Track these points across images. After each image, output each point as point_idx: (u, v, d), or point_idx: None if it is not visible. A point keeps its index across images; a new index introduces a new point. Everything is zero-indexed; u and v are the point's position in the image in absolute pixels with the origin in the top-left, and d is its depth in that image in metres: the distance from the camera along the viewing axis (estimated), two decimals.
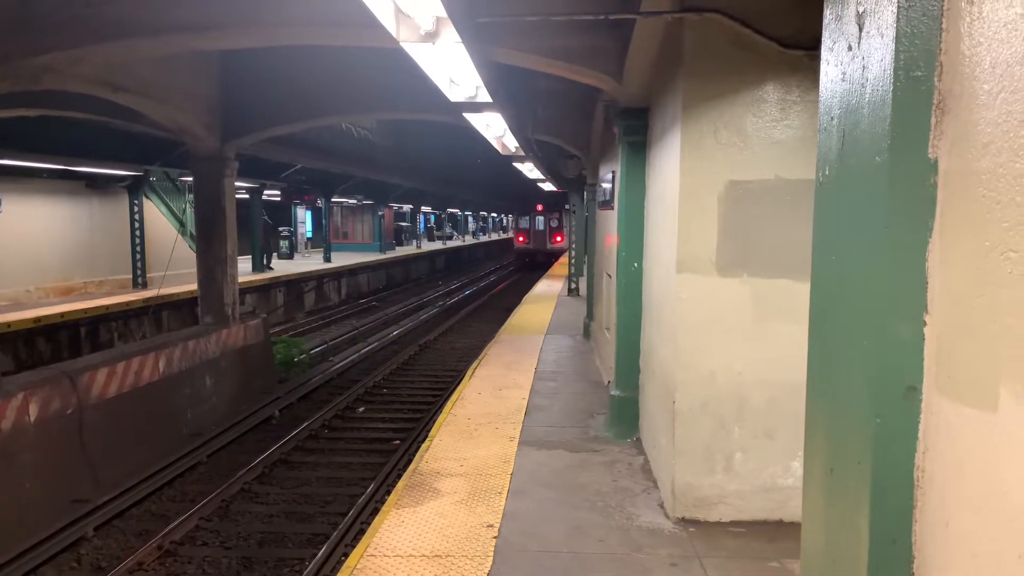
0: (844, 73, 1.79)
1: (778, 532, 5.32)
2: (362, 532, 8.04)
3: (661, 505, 5.77)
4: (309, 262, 29.90)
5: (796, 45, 5.09)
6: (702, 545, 5.10)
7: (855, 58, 1.73)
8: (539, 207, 41.47)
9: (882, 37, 1.59)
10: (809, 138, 5.16)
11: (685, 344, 5.40)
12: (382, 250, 38.37)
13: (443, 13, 4.27)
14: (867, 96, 1.67)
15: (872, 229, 1.65)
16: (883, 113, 1.58)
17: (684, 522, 5.43)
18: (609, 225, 10.40)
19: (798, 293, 5.20)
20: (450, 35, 4.50)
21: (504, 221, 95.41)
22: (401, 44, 4.54)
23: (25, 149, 13.57)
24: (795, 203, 5.16)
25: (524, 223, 44.07)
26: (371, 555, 4.87)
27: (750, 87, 5.19)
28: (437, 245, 51.71)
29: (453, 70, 5.96)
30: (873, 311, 1.65)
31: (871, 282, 1.66)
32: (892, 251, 1.59)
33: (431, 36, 4.47)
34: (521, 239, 44.25)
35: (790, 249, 5.18)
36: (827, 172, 1.91)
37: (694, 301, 5.32)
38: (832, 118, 1.87)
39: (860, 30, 1.70)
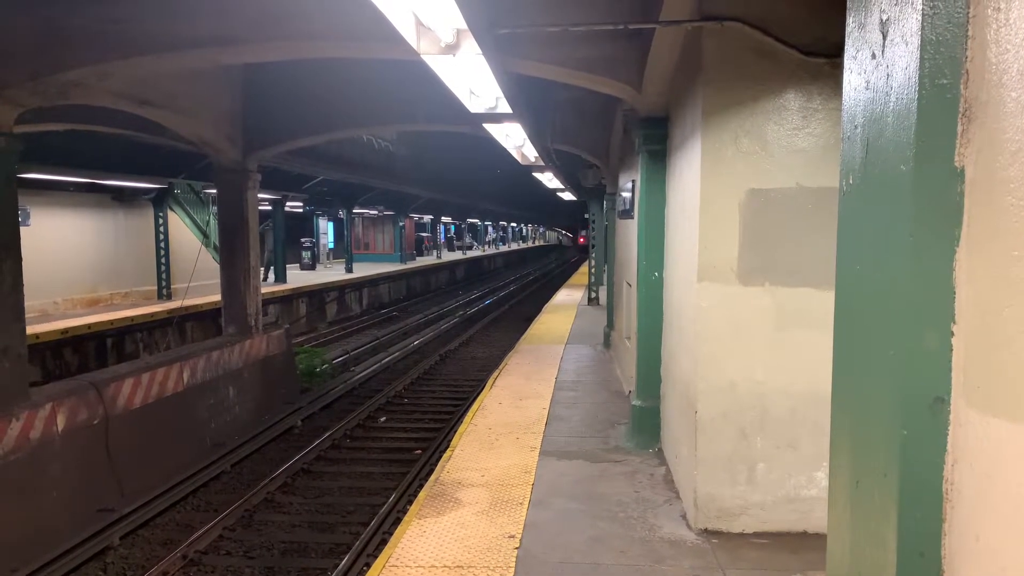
0: (868, 81, 1.78)
1: (802, 543, 5.25)
2: (384, 542, 8.04)
3: (683, 516, 5.72)
4: (331, 273, 30.12)
5: (817, 52, 5.07)
6: (725, 557, 5.05)
7: (879, 66, 1.72)
8: (589, 226, 68.39)
9: (907, 45, 1.57)
10: (831, 146, 5.13)
11: (706, 353, 5.37)
12: (403, 260, 38.57)
13: (463, 25, 4.31)
14: (891, 105, 1.65)
15: (898, 238, 1.63)
16: (908, 122, 1.57)
17: (707, 533, 5.39)
18: (629, 234, 10.37)
19: (820, 302, 5.16)
20: (470, 47, 4.53)
21: (524, 231, 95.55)
22: (422, 57, 4.58)
23: (53, 163, 13.84)
24: (817, 211, 5.13)
25: (583, 231, 67.85)
26: (393, 566, 4.87)
27: (771, 95, 5.17)
28: (457, 255, 51.88)
29: (473, 82, 6.00)
30: (899, 321, 1.63)
31: (897, 292, 1.65)
32: (918, 261, 1.57)
33: (451, 48, 4.50)
34: (582, 240, 69.14)
35: (812, 257, 5.14)
36: (851, 181, 1.89)
37: (715, 310, 5.29)
38: (856, 127, 1.86)
39: (884, 38, 1.69)
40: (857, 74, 1.86)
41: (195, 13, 6.86)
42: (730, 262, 5.22)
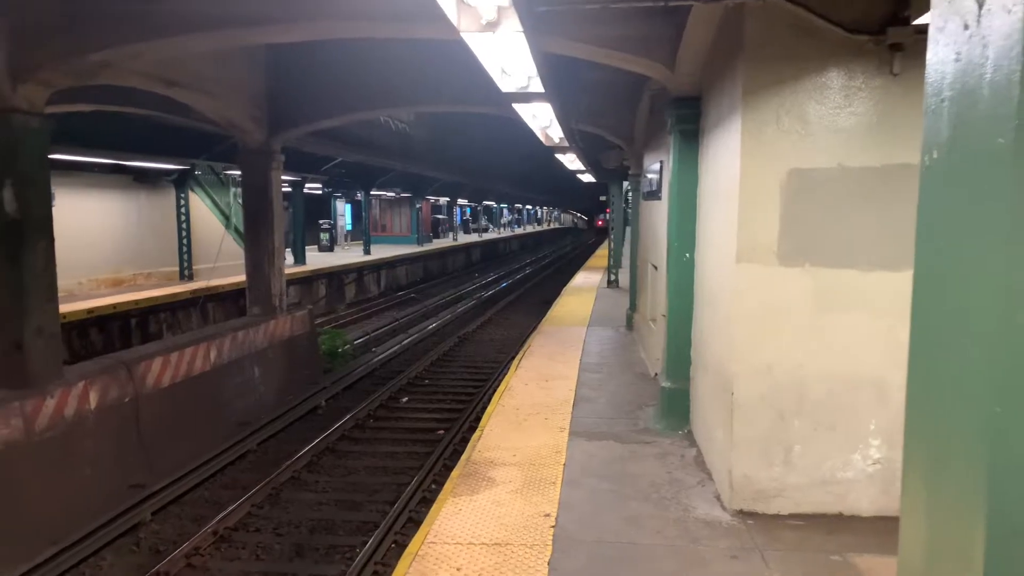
0: (958, 53, 1.74)
1: (838, 525, 5.25)
2: (411, 520, 8.12)
3: (717, 497, 5.72)
4: (349, 254, 30.22)
5: (860, 30, 4.99)
6: (762, 538, 5.05)
7: (972, 37, 1.68)
8: (608, 210, 73.05)
9: (1009, 14, 1.53)
10: (874, 125, 5.06)
11: (743, 335, 5.34)
12: (419, 242, 38.65)
13: (505, 2, 4.26)
14: (988, 76, 1.61)
15: (993, 214, 1.60)
16: (1009, 93, 1.53)
17: (742, 514, 5.39)
18: (655, 216, 10.31)
19: (862, 283, 5.12)
20: (511, 24, 4.48)
21: (539, 213, 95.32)
22: (462, 35, 4.54)
23: (79, 144, 13.94)
24: (859, 191, 5.08)
25: (601, 215, 74.42)
26: (431, 542, 4.92)
27: (812, 73, 5.10)
28: (473, 237, 51.85)
29: (506, 61, 5.94)
30: (992, 299, 1.61)
31: (990, 269, 1.62)
32: (1015, 236, 1.54)
33: (492, 25, 4.45)
34: (600, 223, 75.91)
35: (854, 238, 5.10)
36: (935, 155, 1.86)
37: (754, 291, 5.26)
38: (942, 100, 1.82)
39: (980, 8, 1.65)
40: (944, 45, 1.82)
41: None
42: (770, 243, 5.17)
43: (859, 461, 5.32)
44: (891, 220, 5.09)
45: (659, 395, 7.81)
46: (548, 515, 5.36)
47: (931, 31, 1.89)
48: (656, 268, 10.18)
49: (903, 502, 2.07)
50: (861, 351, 5.16)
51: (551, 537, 5.00)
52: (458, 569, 4.57)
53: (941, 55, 1.84)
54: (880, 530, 5.10)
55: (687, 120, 7.10)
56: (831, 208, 5.12)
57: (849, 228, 5.09)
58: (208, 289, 16.86)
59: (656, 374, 9.55)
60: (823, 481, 5.37)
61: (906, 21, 4.87)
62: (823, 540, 5.00)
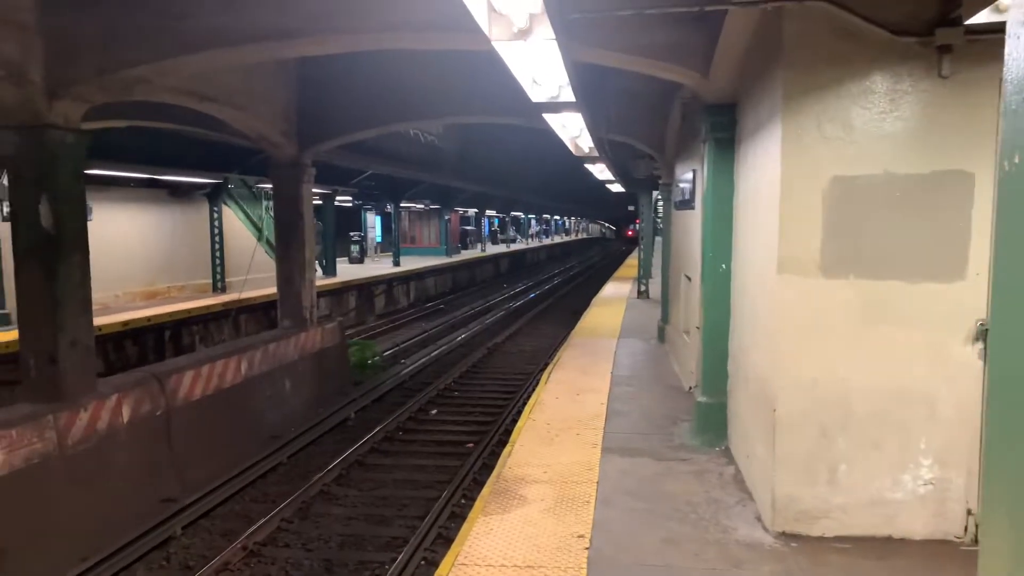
0: None
1: (887, 549, 5.01)
2: (440, 536, 8.00)
3: (758, 518, 5.51)
4: (379, 266, 30.36)
5: (907, 32, 4.79)
6: (806, 561, 4.83)
7: None
8: (638, 220, 75.35)
9: None
10: (922, 130, 4.86)
11: (785, 349, 5.14)
12: (448, 253, 38.73)
13: (537, 9, 4.16)
14: None
15: None
16: None
17: (785, 536, 5.17)
18: (688, 226, 10.12)
19: (910, 295, 4.91)
20: (543, 32, 4.38)
21: (567, 224, 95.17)
22: (493, 43, 4.45)
23: (115, 159, 14.17)
24: (906, 199, 4.87)
25: (630, 225, 77.27)
26: (462, 564, 4.78)
27: (856, 77, 4.91)
28: (501, 248, 51.83)
29: (537, 70, 5.85)
30: None
31: None
32: None
33: (523, 34, 4.36)
34: (630, 233, 78.09)
35: (901, 249, 4.89)
36: (1017, 160, 1.70)
37: (796, 304, 5.06)
38: None
39: None
40: None
41: (264, 4, 6.82)
42: (812, 254, 4.98)
43: (909, 481, 5.08)
44: (940, 229, 4.88)
45: (694, 410, 7.60)
46: (582, 536, 5.19)
47: (1010, 25, 1.74)
48: (690, 279, 9.99)
49: (984, 533, 1.90)
50: (909, 365, 4.94)
51: (586, 560, 4.83)
52: None
53: (1023, 50, 1.69)
54: (934, 554, 4.85)
55: (722, 128, 6.93)
56: (876, 217, 4.91)
57: (895, 238, 4.89)
58: (240, 302, 16.99)
59: (690, 388, 9.34)
60: (871, 502, 5.14)
61: (955, 22, 4.67)
62: (873, 565, 4.77)
